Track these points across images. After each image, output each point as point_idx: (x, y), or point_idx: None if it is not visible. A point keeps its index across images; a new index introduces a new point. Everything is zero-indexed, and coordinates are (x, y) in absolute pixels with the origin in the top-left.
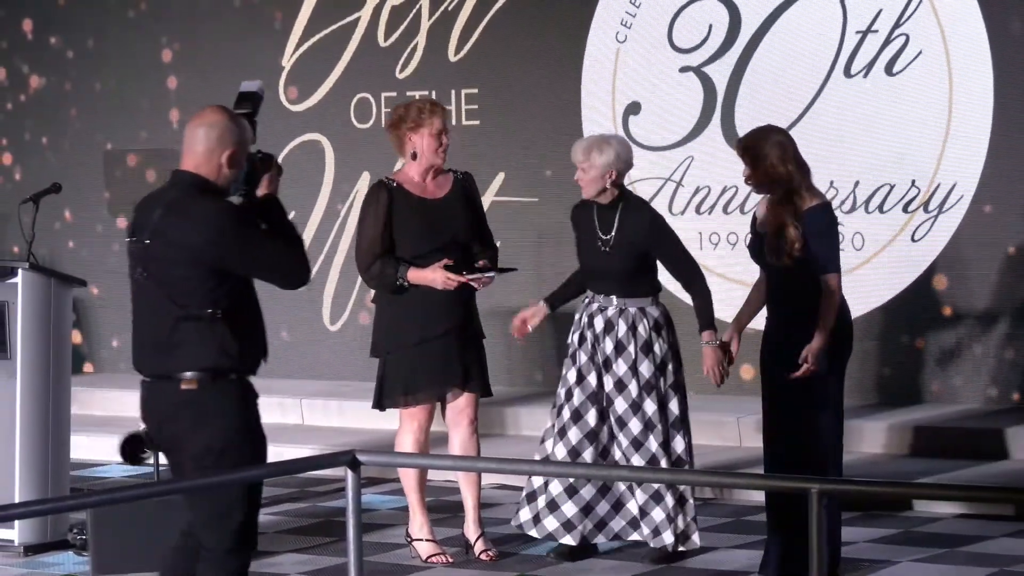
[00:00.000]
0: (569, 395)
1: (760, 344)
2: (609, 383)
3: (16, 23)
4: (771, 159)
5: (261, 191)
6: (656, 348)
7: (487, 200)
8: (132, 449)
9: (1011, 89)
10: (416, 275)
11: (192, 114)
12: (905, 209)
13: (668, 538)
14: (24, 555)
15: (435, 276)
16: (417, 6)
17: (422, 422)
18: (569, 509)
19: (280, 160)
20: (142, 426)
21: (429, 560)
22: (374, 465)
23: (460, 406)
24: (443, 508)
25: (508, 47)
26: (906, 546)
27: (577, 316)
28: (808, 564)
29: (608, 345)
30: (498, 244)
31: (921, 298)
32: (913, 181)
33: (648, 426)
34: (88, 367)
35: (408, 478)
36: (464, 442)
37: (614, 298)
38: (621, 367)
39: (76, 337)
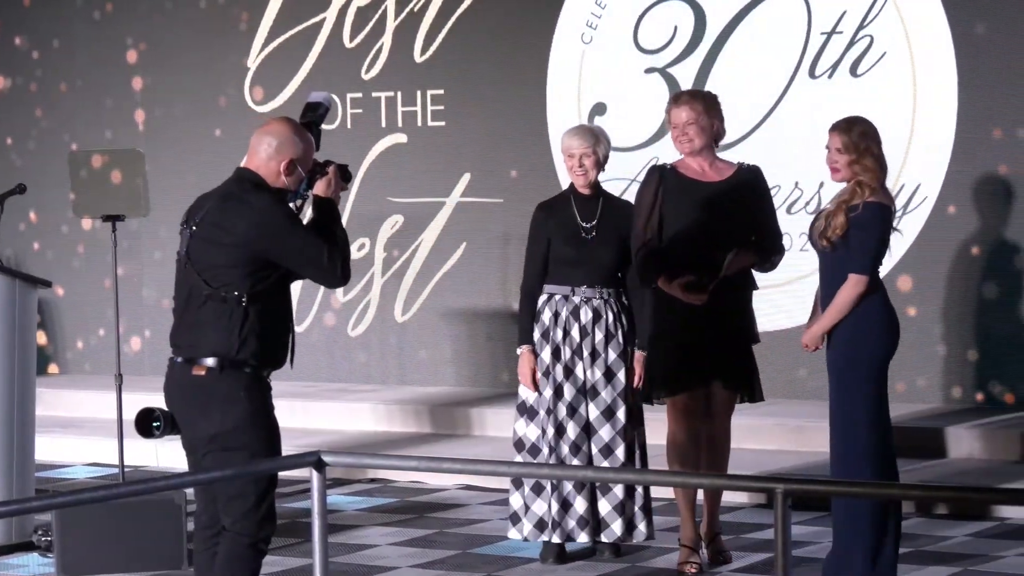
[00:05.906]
0: (559, 392)
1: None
2: (597, 373)
3: None
4: (847, 146)
5: (316, 191)
6: (619, 336)
7: (452, 201)
8: (145, 422)
9: (975, 91)
10: (664, 285)
11: (157, 115)
12: None
13: (617, 529)
14: None
15: (680, 294)
16: (383, 7)
17: None
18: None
19: None
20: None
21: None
22: (339, 466)
23: None
24: (410, 509)
25: (474, 48)
26: None
27: (552, 312)
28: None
29: (598, 335)
30: (463, 245)
31: None
32: None
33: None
34: (53, 368)
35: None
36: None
37: (598, 288)
38: (611, 356)
39: (41, 338)
